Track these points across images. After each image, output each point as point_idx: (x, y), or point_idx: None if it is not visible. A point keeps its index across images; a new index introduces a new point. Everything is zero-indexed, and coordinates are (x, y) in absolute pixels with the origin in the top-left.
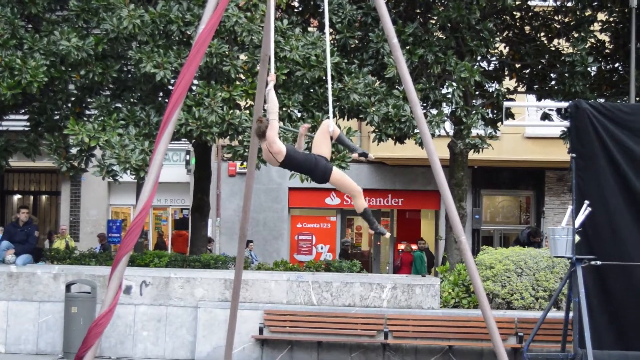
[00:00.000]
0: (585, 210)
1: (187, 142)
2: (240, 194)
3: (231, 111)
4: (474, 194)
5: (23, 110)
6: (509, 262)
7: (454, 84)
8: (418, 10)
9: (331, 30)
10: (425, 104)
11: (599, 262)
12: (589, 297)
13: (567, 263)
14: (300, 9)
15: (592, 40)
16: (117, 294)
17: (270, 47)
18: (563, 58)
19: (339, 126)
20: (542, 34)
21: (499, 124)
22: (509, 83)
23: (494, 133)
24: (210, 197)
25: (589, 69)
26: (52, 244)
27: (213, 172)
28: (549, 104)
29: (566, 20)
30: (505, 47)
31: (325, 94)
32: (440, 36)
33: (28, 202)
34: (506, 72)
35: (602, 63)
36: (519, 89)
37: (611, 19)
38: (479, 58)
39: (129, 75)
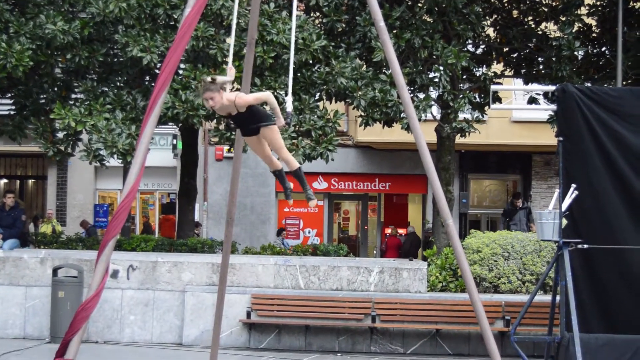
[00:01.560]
0: (572, 194)
1: (174, 126)
2: (227, 178)
3: None
4: (461, 178)
5: (9, 95)
6: (496, 245)
7: (441, 68)
8: None
9: (318, 13)
10: (412, 88)
11: (585, 246)
12: (577, 280)
13: (554, 247)
14: None
15: (579, 24)
16: (103, 278)
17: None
18: (550, 42)
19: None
20: (530, 17)
21: (486, 107)
22: (496, 67)
23: (481, 117)
24: (198, 181)
25: (576, 53)
26: (37, 228)
27: (200, 157)
28: (536, 87)
29: (553, 4)
30: (492, 31)
31: (313, 76)
32: (428, 20)
33: (14, 186)
34: (493, 56)
35: (589, 47)
36: (506, 73)
37: (598, 3)
38: (466, 42)
39: (115, 59)
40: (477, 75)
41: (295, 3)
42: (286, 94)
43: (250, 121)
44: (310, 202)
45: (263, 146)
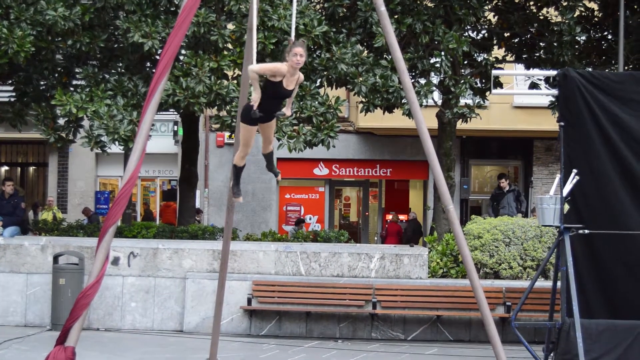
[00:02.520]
0: (573, 179)
1: (175, 113)
2: (228, 164)
3: (219, 81)
4: (462, 163)
5: (9, 82)
6: (497, 231)
7: (442, 53)
8: None
9: None
10: (413, 74)
11: (587, 231)
12: (578, 265)
13: (555, 232)
14: None
15: (581, 8)
16: (104, 265)
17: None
18: (551, 27)
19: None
20: (531, 2)
21: (487, 93)
22: (497, 52)
23: (482, 102)
24: (199, 168)
25: (577, 37)
26: (36, 215)
27: (201, 143)
28: (537, 72)
29: None
30: (494, 16)
31: (314, 62)
32: (429, 5)
33: (15, 174)
34: (495, 41)
35: (591, 32)
36: (508, 58)
37: None
38: (467, 27)
39: (116, 45)
40: (479, 60)
41: None
42: None
43: (280, 104)
44: (278, 176)
45: (270, 129)
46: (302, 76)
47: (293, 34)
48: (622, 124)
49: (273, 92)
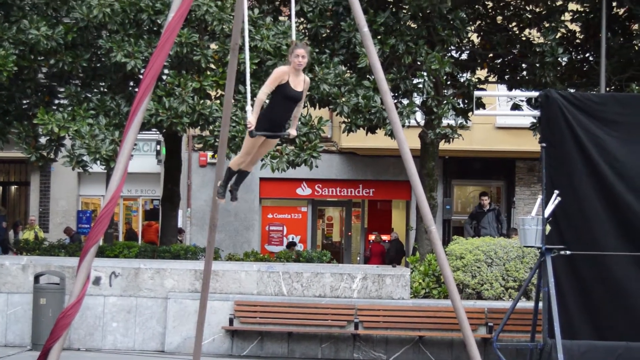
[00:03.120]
0: (555, 200)
1: (158, 133)
2: (211, 184)
3: (202, 101)
4: (445, 184)
5: None
6: (479, 252)
7: (425, 74)
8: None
9: (302, 19)
10: (396, 94)
11: (568, 252)
12: (561, 286)
13: (537, 253)
14: None
15: (563, 30)
16: (85, 285)
17: (243, 35)
18: (534, 48)
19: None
20: (514, 23)
21: (469, 113)
22: (480, 73)
23: (464, 123)
24: (181, 187)
25: (559, 59)
26: (17, 235)
27: (184, 163)
28: (519, 93)
29: (537, 10)
30: (477, 37)
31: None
32: (412, 25)
33: None
34: (478, 62)
35: (573, 53)
36: (490, 79)
37: (582, 9)
38: (450, 48)
39: (99, 65)
40: (461, 81)
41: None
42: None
43: (291, 108)
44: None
45: (267, 149)
46: (307, 79)
47: (294, 34)
48: (603, 145)
49: (283, 94)
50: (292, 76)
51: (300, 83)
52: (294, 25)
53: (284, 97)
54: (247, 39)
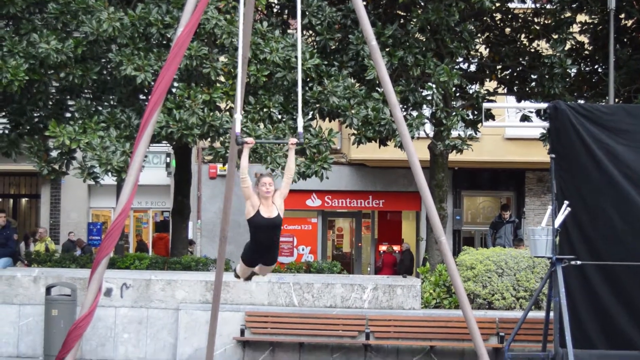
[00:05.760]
0: (565, 210)
1: (168, 145)
2: (221, 196)
3: (212, 113)
4: (454, 195)
5: (3, 113)
6: (489, 262)
7: (433, 86)
8: (398, 12)
9: (311, 32)
10: (405, 106)
11: (579, 262)
12: (574, 296)
13: (548, 263)
14: (279, 10)
15: (572, 41)
16: (96, 296)
17: (246, 48)
18: (542, 60)
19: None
20: (522, 35)
21: (479, 125)
22: (489, 85)
23: (474, 134)
24: (191, 199)
25: (568, 70)
26: (28, 247)
27: (193, 175)
28: (528, 105)
29: (545, 22)
30: (485, 49)
31: (306, 95)
32: (420, 38)
33: (7, 205)
34: (486, 74)
35: (582, 64)
36: (499, 91)
37: (590, 21)
38: (459, 60)
39: (109, 78)
40: (470, 92)
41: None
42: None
43: (273, 234)
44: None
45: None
46: (279, 203)
47: (299, 47)
48: (615, 154)
49: (256, 225)
50: (263, 204)
51: (271, 208)
52: (299, 38)
53: (257, 228)
54: (240, 46)
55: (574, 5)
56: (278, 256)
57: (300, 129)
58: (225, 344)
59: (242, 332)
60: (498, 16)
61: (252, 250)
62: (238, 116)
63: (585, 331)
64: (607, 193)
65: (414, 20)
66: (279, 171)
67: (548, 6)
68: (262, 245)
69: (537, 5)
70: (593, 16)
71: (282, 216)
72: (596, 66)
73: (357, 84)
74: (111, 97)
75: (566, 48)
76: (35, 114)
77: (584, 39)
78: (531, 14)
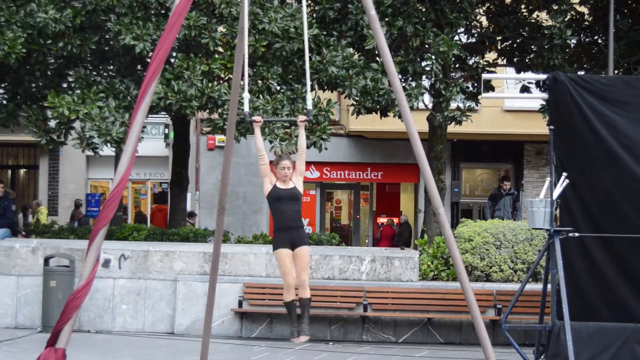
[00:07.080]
0: (563, 182)
1: (166, 116)
2: (219, 167)
3: (210, 84)
4: (453, 167)
5: (1, 84)
6: (487, 234)
7: (433, 57)
8: None
9: (310, 1)
10: (404, 77)
11: (577, 234)
12: (574, 268)
13: (546, 235)
14: None
15: (571, 12)
16: (94, 267)
17: (250, 18)
18: (542, 31)
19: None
20: (522, 6)
21: (478, 96)
22: (488, 56)
23: (473, 106)
24: (190, 170)
25: (568, 41)
26: (26, 218)
27: (192, 146)
28: (527, 76)
29: None
30: (485, 20)
31: (304, 66)
32: (420, 8)
33: (6, 176)
34: (486, 45)
35: (581, 35)
36: (499, 62)
37: None
38: (458, 30)
39: (108, 48)
40: (470, 63)
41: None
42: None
43: (293, 203)
44: (301, 337)
45: (299, 259)
46: (297, 181)
47: (305, 19)
48: (614, 125)
49: (275, 197)
50: (280, 181)
51: (289, 184)
52: (305, 9)
53: (277, 200)
54: (246, 22)
55: None
56: (307, 238)
57: (309, 106)
58: (223, 315)
59: (240, 304)
60: None
61: (276, 228)
62: (246, 94)
63: (587, 303)
64: (606, 165)
65: None
66: (276, 142)
67: None
68: (285, 219)
69: None
70: None
71: (302, 192)
72: (596, 37)
73: (356, 54)
74: (110, 67)
75: (566, 19)
76: (33, 85)
77: (584, 9)
78: None
